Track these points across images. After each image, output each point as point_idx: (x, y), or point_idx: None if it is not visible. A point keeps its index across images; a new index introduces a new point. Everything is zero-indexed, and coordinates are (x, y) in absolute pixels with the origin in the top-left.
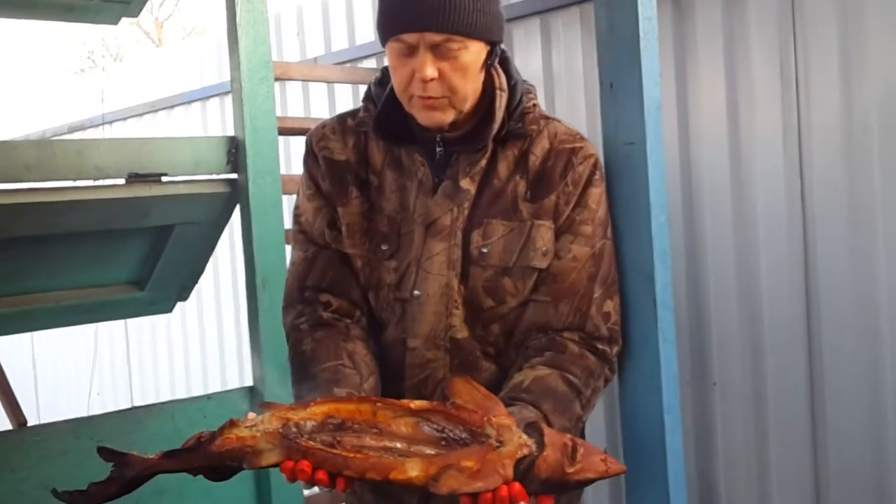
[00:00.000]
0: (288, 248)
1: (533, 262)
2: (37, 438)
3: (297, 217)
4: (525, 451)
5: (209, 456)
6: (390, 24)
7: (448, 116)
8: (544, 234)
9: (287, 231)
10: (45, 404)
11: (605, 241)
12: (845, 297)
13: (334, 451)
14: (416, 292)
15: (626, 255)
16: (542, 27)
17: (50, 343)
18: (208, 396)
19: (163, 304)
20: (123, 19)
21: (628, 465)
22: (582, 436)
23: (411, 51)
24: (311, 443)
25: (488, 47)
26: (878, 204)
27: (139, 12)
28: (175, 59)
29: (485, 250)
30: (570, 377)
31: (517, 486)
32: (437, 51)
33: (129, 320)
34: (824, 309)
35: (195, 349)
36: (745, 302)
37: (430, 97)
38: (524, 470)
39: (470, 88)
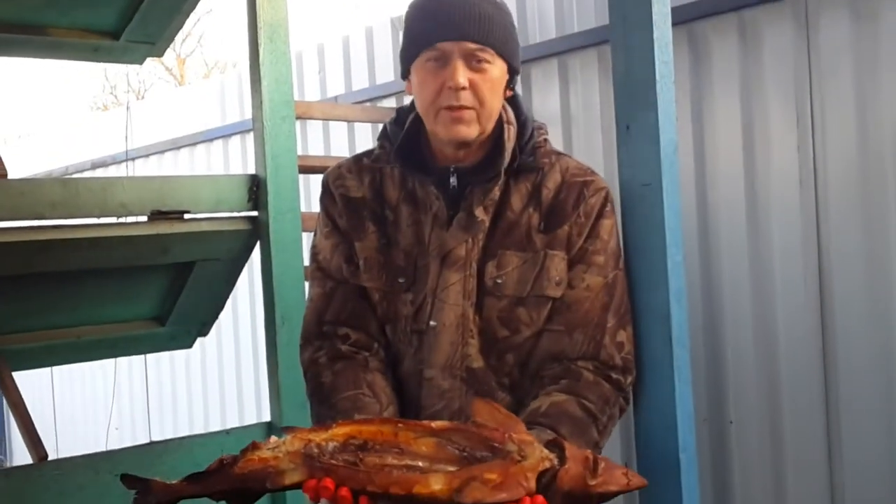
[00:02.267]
0: (307, 285)
1: (547, 292)
2: (56, 473)
3: (314, 255)
4: (547, 464)
5: (232, 479)
6: (428, 34)
7: (472, 131)
8: (557, 264)
9: (307, 268)
10: (63, 438)
11: (617, 271)
12: (862, 336)
13: (357, 467)
14: (432, 323)
15: (642, 295)
16: (560, 68)
17: (69, 377)
18: (227, 432)
19: (183, 340)
20: (148, 59)
21: None
22: None
23: (444, 62)
24: (334, 461)
25: (508, 75)
26: (895, 240)
27: (164, 52)
28: (197, 96)
29: (499, 281)
30: (587, 403)
31: (540, 498)
32: (469, 61)
33: (148, 355)
34: (841, 348)
35: (213, 384)
36: (761, 341)
37: (460, 107)
38: (547, 483)
39: (495, 104)
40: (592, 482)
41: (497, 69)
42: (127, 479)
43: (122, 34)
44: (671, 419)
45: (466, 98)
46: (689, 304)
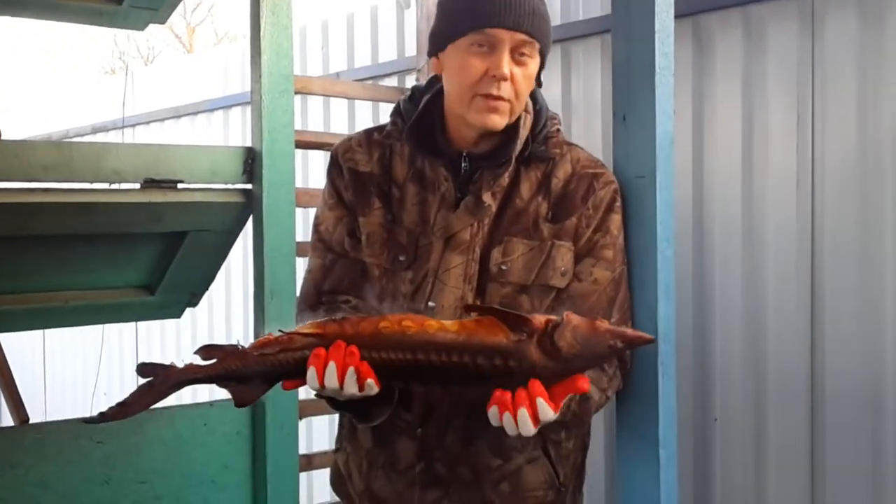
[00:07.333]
0: (299, 261)
1: (551, 282)
2: (37, 436)
3: (316, 226)
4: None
5: (244, 355)
6: (479, 17)
7: (503, 121)
8: (564, 254)
9: (299, 244)
10: (52, 402)
11: (623, 267)
12: (851, 336)
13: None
14: (430, 304)
15: (631, 288)
16: (563, 56)
17: (60, 342)
18: (210, 403)
19: (172, 309)
20: (151, 25)
21: (623, 500)
22: (583, 464)
23: (491, 48)
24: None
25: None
26: (889, 244)
27: (167, 19)
28: (201, 66)
29: (504, 267)
30: None
31: (538, 384)
32: (514, 53)
33: (139, 324)
34: (829, 348)
35: None
36: (749, 338)
37: (498, 97)
38: (554, 326)
39: (526, 98)
40: (599, 321)
41: (535, 64)
42: (143, 367)
43: None
44: (653, 415)
45: (506, 90)
46: (679, 300)
